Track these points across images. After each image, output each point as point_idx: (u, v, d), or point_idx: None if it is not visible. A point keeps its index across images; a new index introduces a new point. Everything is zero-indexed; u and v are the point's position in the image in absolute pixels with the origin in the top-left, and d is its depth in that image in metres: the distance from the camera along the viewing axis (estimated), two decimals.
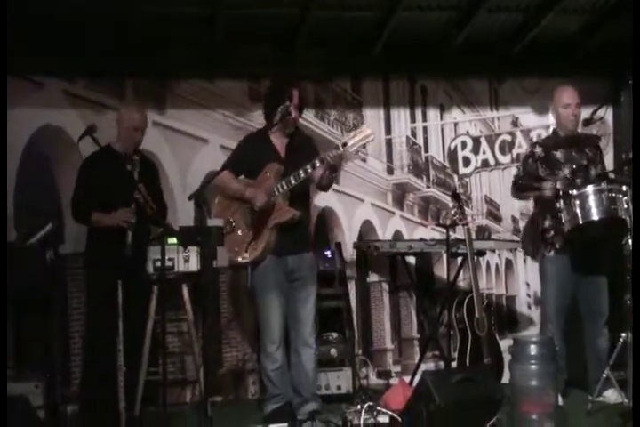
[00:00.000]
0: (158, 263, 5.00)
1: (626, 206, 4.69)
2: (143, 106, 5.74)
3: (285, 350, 4.82)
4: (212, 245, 5.48)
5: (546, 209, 5.16)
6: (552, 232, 5.11)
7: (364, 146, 4.59)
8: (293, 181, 4.56)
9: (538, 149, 5.25)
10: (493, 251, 6.75)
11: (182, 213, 6.01)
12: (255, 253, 4.67)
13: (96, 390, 5.01)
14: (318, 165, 4.49)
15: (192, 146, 6.44)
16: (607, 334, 5.08)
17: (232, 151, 5.05)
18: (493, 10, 6.28)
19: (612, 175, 5.06)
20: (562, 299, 5.12)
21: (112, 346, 4.82)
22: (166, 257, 4.92)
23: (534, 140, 6.81)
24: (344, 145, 4.44)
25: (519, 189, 5.35)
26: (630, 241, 4.65)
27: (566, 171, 5.15)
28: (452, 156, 7.11)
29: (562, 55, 6.80)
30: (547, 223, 5.18)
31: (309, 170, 4.53)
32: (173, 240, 5.21)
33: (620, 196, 4.72)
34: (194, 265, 5.30)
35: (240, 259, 4.74)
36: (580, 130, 5.39)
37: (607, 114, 6.93)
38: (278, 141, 4.82)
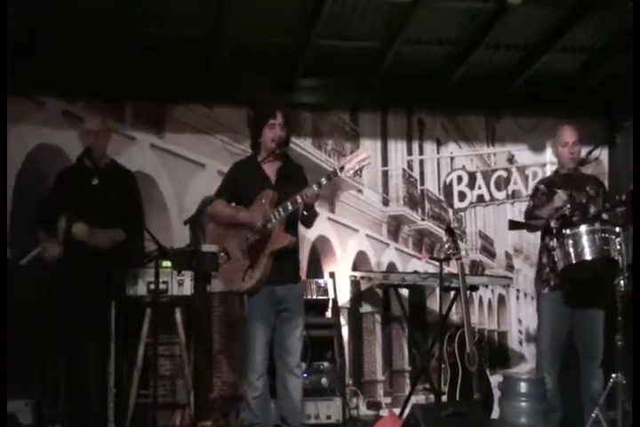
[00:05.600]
0: (152, 286, 5.00)
1: (619, 247, 4.70)
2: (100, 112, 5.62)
3: (271, 380, 4.76)
4: (205, 270, 5.48)
5: (544, 246, 5.17)
6: (547, 269, 5.12)
7: (361, 170, 4.56)
8: (290, 207, 4.49)
9: (541, 186, 5.28)
10: (486, 286, 6.77)
11: (177, 237, 5.95)
12: (252, 281, 4.56)
13: (83, 411, 4.95)
14: (316, 189, 4.46)
15: (189, 170, 6.47)
16: (602, 375, 5.03)
17: (223, 179, 5.00)
18: (492, 47, 6.38)
19: (605, 216, 5.07)
20: (556, 336, 5.06)
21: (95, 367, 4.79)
22: (160, 280, 4.92)
23: (530, 177, 6.85)
24: (341, 169, 4.42)
25: (516, 227, 5.37)
26: (622, 282, 4.65)
27: (565, 209, 5.16)
28: (448, 190, 7.15)
29: (559, 94, 6.88)
30: (544, 260, 5.18)
31: (307, 194, 4.48)
32: (167, 264, 5.20)
33: (613, 237, 4.71)
34: (187, 289, 5.30)
35: (236, 288, 4.68)
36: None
37: (602, 154, 7.01)
38: (269, 168, 4.75)
